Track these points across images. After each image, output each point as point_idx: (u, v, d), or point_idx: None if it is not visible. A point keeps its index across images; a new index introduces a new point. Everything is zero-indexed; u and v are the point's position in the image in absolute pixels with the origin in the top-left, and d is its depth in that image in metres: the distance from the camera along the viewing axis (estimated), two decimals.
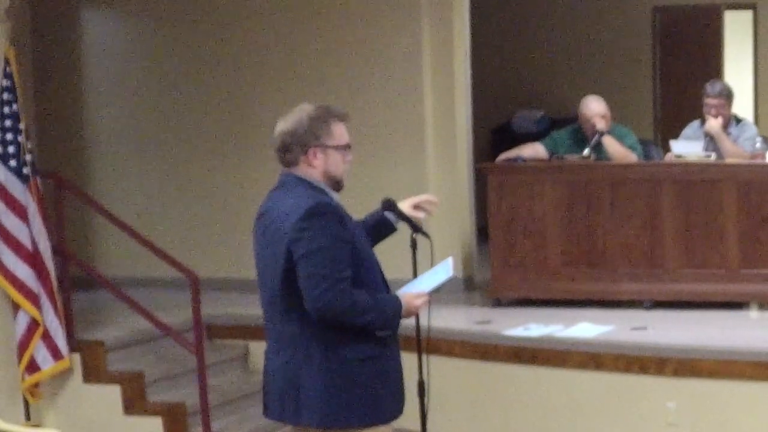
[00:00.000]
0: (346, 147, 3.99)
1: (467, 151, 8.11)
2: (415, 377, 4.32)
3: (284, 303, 3.90)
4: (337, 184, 3.99)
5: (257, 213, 4.06)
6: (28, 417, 6.41)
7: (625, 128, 7.46)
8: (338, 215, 3.87)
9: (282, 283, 3.87)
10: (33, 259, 6.19)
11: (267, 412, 4.12)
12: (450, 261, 4.20)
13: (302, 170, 3.95)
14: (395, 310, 3.95)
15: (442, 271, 4.17)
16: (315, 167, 3.94)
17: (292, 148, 3.93)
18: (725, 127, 7.30)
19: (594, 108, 7.27)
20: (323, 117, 3.95)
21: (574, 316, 6.81)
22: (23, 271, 6.17)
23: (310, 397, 3.89)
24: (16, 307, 6.24)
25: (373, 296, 3.90)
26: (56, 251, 6.49)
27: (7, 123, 6.17)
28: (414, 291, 4.06)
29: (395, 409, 4.02)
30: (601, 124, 7.19)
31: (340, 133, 3.97)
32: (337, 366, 3.87)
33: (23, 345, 6.25)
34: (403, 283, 4.11)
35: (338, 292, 3.78)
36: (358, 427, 3.92)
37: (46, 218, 6.30)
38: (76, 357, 6.58)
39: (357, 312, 3.82)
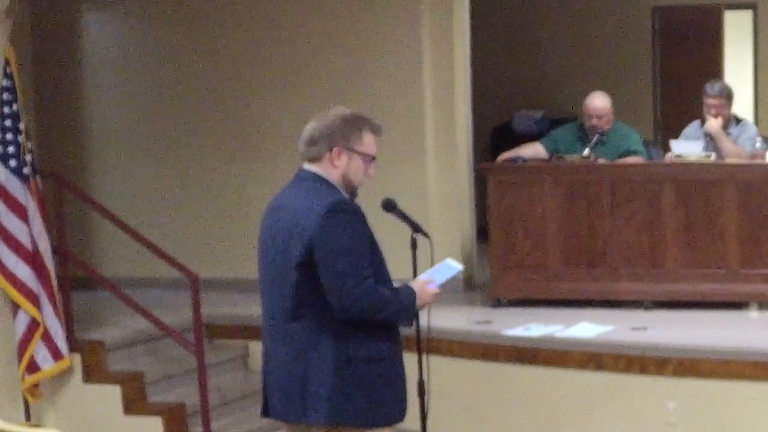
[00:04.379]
0: (371, 158, 4.02)
1: (467, 151, 8.11)
2: (415, 377, 4.32)
3: (295, 299, 3.91)
4: (351, 191, 4.02)
5: (269, 205, 4.07)
6: (28, 417, 6.41)
7: (629, 128, 7.46)
8: (359, 212, 3.91)
9: (296, 279, 3.88)
10: (33, 259, 6.19)
11: (268, 410, 4.11)
12: (449, 260, 4.23)
13: (323, 168, 3.97)
14: (411, 299, 4.00)
15: (444, 268, 4.20)
16: (336, 167, 3.97)
17: (319, 143, 3.96)
18: (725, 127, 7.30)
19: (594, 106, 7.27)
20: (357, 122, 3.99)
21: (574, 316, 6.81)
22: (23, 271, 6.17)
23: (319, 395, 3.90)
24: (16, 307, 6.24)
25: (392, 289, 3.95)
26: (56, 251, 6.49)
27: (7, 123, 6.17)
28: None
29: (398, 412, 4.03)
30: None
31: (369, 142, 4.01)
32: (348, 364, 3.89)
33: (23, 345, 6.25)
34: (403, 283, 4.12)
35: (365, 289, 3.82)
36: (364, 426, 3.93)
37: (46, 218, 6.30)
38: (76, 357, 6.58)
39: (381, 306, 3.87)
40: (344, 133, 3.96)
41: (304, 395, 3.93)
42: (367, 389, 3.91)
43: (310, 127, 4.00)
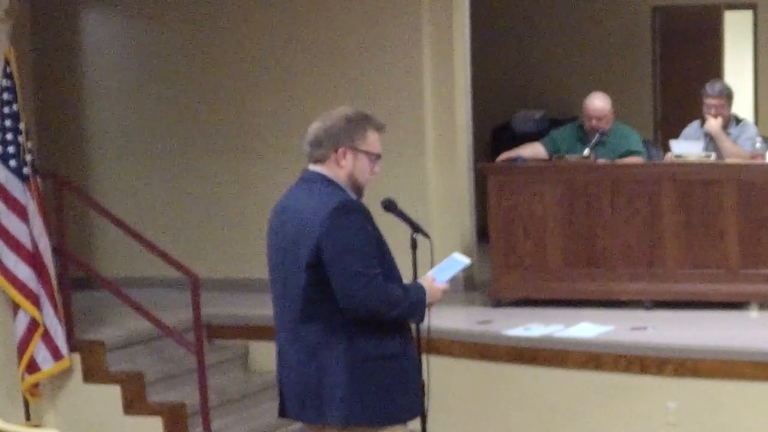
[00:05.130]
0: (377, 156, 4.02)
1: (467, 151, 8.11)
2: None
3: (305, 301, 3.91)
4: (358, 191, 4.02)
5: (275, 208, 4.07)
6: (28, 417, 6.41)
7: (629, 129, 7.45)
8: (366, 212, 3.92)
9: (306, 281, 3.88)
10: (33, 259, 6.19)
11: (284, 411, 4.12)
12: (456, 255, 4.25)
13: (329, 168, 3.98)
14: (420, 296, 4.01)
15: (452, 263, 4.21)
16: (342, 167, 3.97)
17: (324, 144, 3.96)
18: (725, 127, 7.30)
19: (594, 106, 7.27)
20: (361, 121, 3.99)
21: (574, 316, 6.81)
22: (23, 271, 6.17)
23: (334, 395, 3.90)
24: (16, 307, 6.23)
25: (401, 287, 3.96)
26: (56, 251, 6.48)
27: (7, 123, 6.16)
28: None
29: (413, 408, 4.04)
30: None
31: (373, 140, 4.01)
32: (361, 364, 3.89)
33: (23, 345, 6.25)
34: (411, 280, 4.13)
35: (373, 288, 3.82)
36: (379, 425, 3.94)
37: (46, 218, 6.30)
38: (76, 357, 6.58)
39: (391, 305, 3.87)
40: (349, 133, 3.96)
41: (318, 396, 3.94)
42: (380, 388, 3.91)
43: (314, 128, 4.00)
